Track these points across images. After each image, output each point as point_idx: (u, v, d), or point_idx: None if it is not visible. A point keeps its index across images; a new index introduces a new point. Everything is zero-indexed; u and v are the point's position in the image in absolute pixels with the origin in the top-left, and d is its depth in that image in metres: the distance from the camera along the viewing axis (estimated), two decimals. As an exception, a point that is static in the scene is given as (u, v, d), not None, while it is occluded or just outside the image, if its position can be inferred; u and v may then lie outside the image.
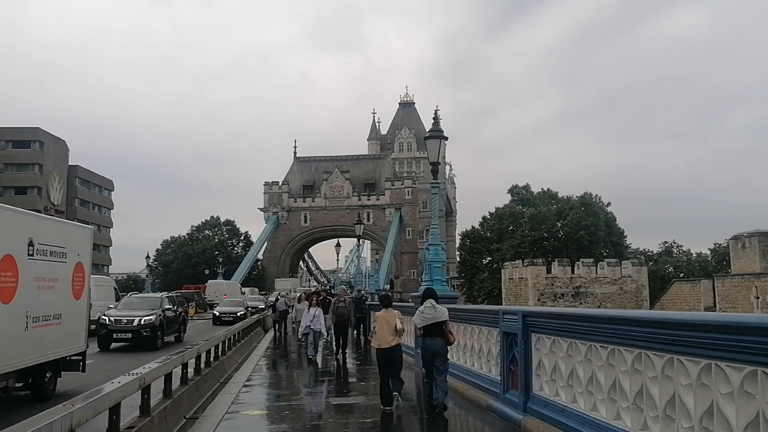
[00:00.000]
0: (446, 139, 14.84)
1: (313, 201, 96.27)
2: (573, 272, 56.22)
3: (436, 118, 15.12)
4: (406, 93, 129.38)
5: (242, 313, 35.06)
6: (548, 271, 57.25)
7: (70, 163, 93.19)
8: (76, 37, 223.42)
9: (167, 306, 23.22)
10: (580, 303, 53.66)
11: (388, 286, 77.17)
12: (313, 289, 50.27)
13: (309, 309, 17.13)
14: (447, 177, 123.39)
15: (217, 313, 35.71)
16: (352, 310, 17.99)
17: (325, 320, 17.41)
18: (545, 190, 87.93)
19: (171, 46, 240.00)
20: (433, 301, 9.46)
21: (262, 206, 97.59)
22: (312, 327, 16.64)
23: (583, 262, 56.94)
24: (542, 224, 73.71)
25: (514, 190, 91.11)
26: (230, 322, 29.71)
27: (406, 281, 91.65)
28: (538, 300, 55.30)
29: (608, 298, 53.84)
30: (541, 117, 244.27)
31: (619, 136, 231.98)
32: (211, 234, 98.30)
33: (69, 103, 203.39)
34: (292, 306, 24.78)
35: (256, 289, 67.50)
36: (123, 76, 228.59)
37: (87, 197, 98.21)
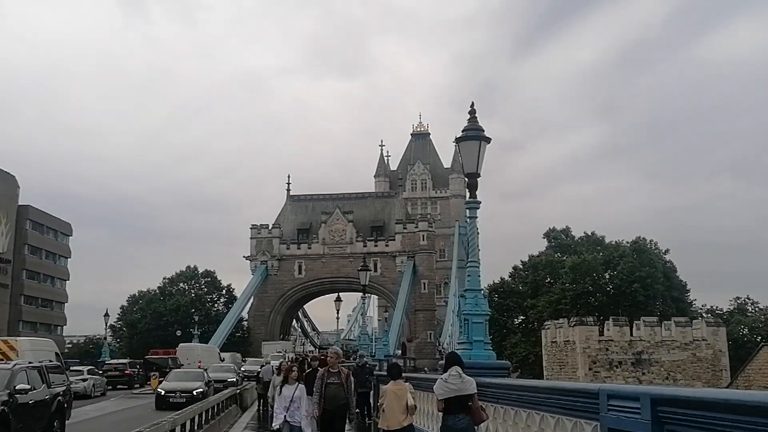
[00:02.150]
0: (488, 140, 12.41)
1: (309, 248, 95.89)
2: (632, 334, 54.90)
3: (472, 113, 12.76)
4: (420, 122, 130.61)
5: (200, 390, 30.61)
6: (601, 332, 55.81)
7: (20, 203, 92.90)
8: (38, 60, 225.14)
9: (22, 386, 16.39)
10: (643, 373, 52.14)
11: (400, 351, 76.30)
12: (308, 355, 48.69)
13: (282, 388, 13.38)
14: (467, 219, 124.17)
15: (162, 392, 30.74)
16: (352, 386, 12.81)
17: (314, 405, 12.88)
18: (589, 234, 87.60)
19: (147, 71, 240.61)
20: (459, 369, 9.34)
21: (249, 254, 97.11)
22: (289, 420, 12.87)
23: (644, 322, 55.39)
24: (587, 275, 73.43)
25: (551, 235, 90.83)
26: (181, 405, 24.33)
27: (421, 345, 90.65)
28: (590, 369, 53.84)
29: (678, 367, 52.18)
30: (578, 151, 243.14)
31: (671, 172, 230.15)
32: (186, 288, 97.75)
33: (24, 135, 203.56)
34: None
35: (238, 355, 67.01)
36: (90, 107, 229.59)
37: (39, 243, 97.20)
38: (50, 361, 21.27)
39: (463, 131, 12.70)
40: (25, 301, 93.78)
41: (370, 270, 42.75)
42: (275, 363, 30.12)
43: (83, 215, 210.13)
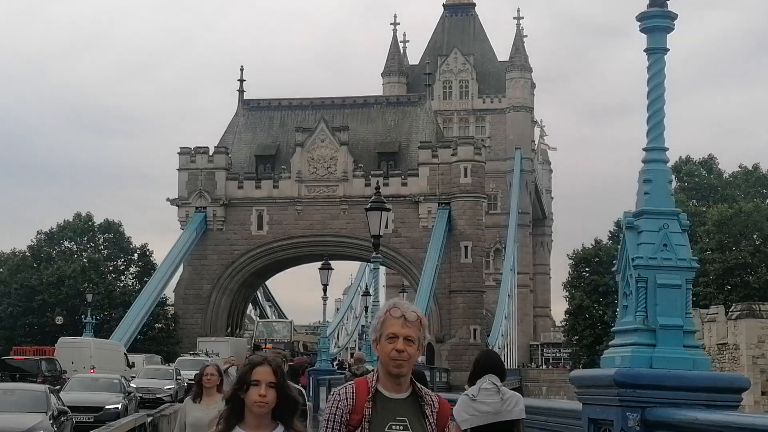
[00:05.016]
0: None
1: (276, 186, 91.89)
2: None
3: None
4: None
5: (116, 406, 32.94)
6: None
7: None
8: None
9: None
10: None
11: (423, 358, 73.68)
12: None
13: (187, 411, 13.23)
14: (534, 150, 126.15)
15: None
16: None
17: None
18: (747, 168, 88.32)
19: None
20: (496, 380, 9.33)
21: (175, 196, 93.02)
22: None
23: None
24: (742, 236, 74.59)
25: (682, 170, 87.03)
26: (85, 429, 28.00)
27: (458, 348, 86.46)
28: (764, 393, 53.16)
29: None
30: (722, 38, 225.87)
31: None
32: (74, 249, 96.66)
33: None
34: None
35: (158, 358, 65.41)
36: None
37: None
38: None
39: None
40: None
41: (388, 209, 35.05)
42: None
43: None
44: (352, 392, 5.69)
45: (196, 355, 62.38)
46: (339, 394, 5.74)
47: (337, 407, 5.69)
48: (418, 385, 5.96)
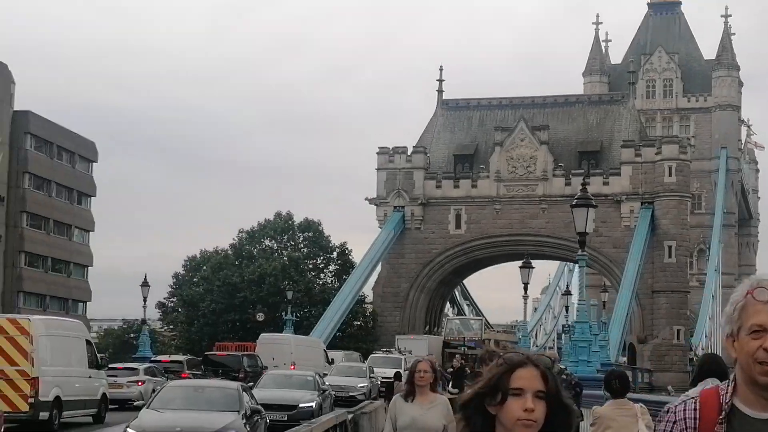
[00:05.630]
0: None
1: (474, 185, 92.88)
2: None
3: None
4: None
5: (310, 404, 32.81)
6: None
7: (15, 108, 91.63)
8: None
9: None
10: None
11: (624, 359, 77.41)
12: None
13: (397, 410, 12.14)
14: (741, 149, 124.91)
15: None
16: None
17: None
18: None
19: None
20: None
21: (374, 196, 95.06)
22: None
23: None
24: None
25: None
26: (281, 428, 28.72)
27: (661, 349, 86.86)
28: None
29: None
30: None
31: None
32: (275, 247, 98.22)
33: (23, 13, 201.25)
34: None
35: (356, 355, 66.56)
36: None
37: (47, 172, 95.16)
38: (96, 354, 31.93)
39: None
40: (28, 262, 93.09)
41: (594, 206, 37.15)
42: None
43: (115, 133, 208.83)
44: (695, 410, 4.00)
45: (389, 353, 64.25)
46: (674, 414, 4.05)
47: None
48: None
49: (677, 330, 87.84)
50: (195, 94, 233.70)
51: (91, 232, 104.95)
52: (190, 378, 47.88)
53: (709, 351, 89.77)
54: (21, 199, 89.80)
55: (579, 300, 51.75)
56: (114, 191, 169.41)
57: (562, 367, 33.05)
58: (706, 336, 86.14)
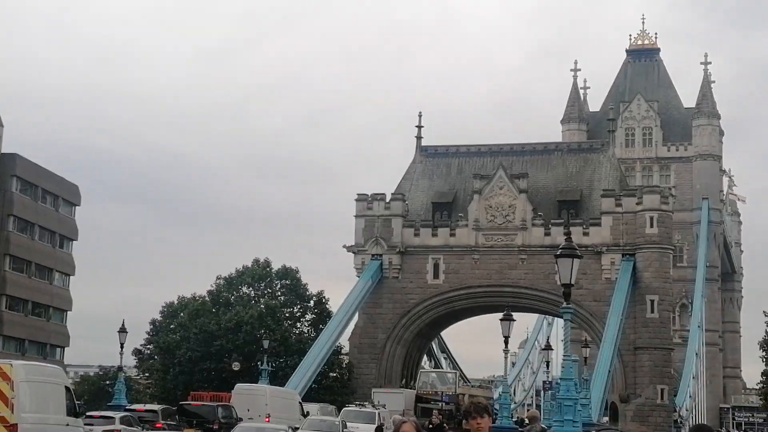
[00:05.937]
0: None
1: (453, 233, 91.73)
2: None
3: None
4: (642, 31, 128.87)
5: None
6: None
7: (3, 150, 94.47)
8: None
9: None
10: None
11: (606, 419, 78.41)
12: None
13: None
14: (723, 201, 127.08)
15: None
16: None
17: None
18: None
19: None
20: None
21: (352, 243, 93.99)
22: None
23: None
24: None
25: None
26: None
27: (644, 408, 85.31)
28: None
29: None
30: None
31: None
32: (253, 294, 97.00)
33: (17, 55, 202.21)
34: None
35: (332, 407, 68.55)
36: (114, 15, 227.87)
37: (31, 215, 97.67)
38: (75, 402, 31.94)
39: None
40: (9, 305, 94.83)
41: (580, 257, 33.00)
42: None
43: (97, 178, 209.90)
44: None
45: (362, 406, 63.75)
46: None
47: None
48: None
49: (661, 389, 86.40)
50: (175, 139, 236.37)
51: (71, 276, 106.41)
52: (164, 429, 49.16)
53: (693, 412, 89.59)
54: (5, 242, 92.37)
55: (564, 355, 50.95)
56: (95, 235, 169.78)
57: (544, 426, 32.30)
58: (690, 396, 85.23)
